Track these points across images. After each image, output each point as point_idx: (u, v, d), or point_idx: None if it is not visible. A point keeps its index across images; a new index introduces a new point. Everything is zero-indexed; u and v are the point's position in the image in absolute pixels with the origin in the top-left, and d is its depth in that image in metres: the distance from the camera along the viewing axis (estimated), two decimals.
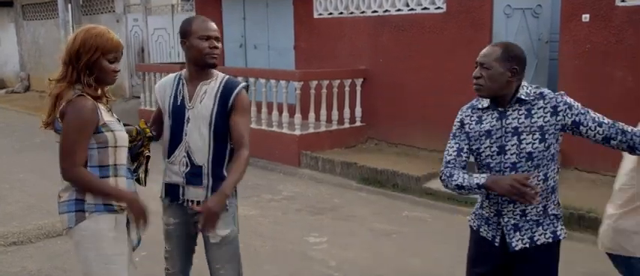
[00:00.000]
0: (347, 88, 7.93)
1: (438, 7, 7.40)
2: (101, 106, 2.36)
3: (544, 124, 2.30)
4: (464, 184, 2.36)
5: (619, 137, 2.28)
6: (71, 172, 2.28)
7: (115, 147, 2.36)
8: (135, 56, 13.46)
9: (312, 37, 8.91)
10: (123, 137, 2.41)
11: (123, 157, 2.41)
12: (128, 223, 2.46)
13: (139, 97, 10.14)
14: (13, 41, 18.06)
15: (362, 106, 8.07)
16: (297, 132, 7.58)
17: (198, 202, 2.62)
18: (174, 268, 2.83)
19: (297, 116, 7.56)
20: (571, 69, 6.32)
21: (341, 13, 8.53)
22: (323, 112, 7.76)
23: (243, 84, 2.70)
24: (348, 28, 8.43)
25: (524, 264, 2.43)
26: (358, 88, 8.04)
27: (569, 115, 2.30)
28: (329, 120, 7.87)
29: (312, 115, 7.68)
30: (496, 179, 2.28)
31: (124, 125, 2.48)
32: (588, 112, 2.31)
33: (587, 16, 6.17)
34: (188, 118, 2.61)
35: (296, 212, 5.70)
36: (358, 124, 8.11)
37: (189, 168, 2.62)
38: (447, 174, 2.43)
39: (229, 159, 2.66)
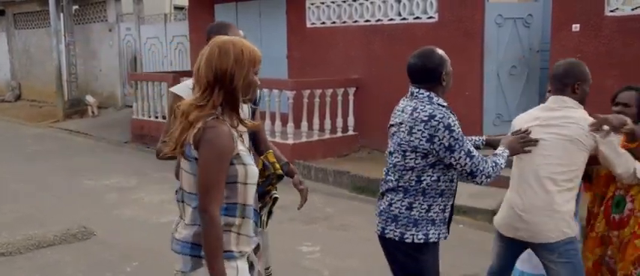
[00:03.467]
0: (339, 97, 7.95)
1: (430, 17, 7.45)
2: (235, 133, 2.04)
3: None
4: (503, 165, 2.58)
5: None
6: (211, 211, 1.94)
7: (245, 184, 2.04)
8: (127, 65, 13.43)
9: (305, 47, 8.93)
10: (254, 172, 2.08)
11: (251, 196, 2.09)
12: (252, 267, 2.24)
13: (131, 107, 10.10)
14: (4, 50, 17.98)
15: (354, 115, 8.08)
16: (290, 141, 7.58)
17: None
18: None
19: (290, 125, 7.56)
20: None
21: (334, 22, 8.57)
22: (316, 121, 7.76)
23: None
24: (340, 37, 8.46)
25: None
26: (351, 97, 8.06)
27: None
28: (322, 129, 7.88)
29: (304, 124, 7.68)
30: (507, 144, 2.66)
31: None
32: None
33: (578, 25, 6.23)
34: None
35: (289, 221, 5.68)
36: (351, 132, 8.12)
37: None
38: (492, 164, 2.55)
39: None
